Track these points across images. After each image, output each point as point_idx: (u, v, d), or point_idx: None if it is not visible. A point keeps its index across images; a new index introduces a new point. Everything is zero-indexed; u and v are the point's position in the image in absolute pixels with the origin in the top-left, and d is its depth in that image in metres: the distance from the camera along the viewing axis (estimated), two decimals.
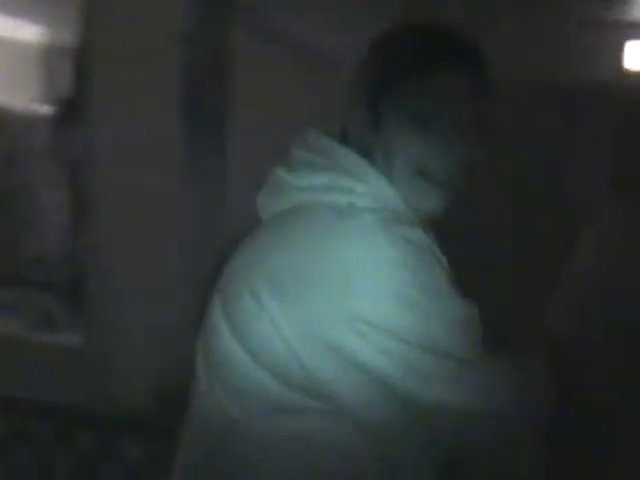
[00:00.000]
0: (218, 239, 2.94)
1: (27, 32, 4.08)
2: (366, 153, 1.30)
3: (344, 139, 1.34)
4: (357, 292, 1.18)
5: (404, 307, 1.18)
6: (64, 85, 3.48)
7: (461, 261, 1.34)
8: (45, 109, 3.75)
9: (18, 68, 4.00)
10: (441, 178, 1.29)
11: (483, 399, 1.22)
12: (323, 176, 1.28)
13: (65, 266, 3.37)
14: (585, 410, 1.57)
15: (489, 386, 1.23)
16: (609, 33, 4.85)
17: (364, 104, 1.31)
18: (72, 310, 3.21)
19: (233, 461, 1.29)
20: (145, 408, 2.75)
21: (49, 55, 4.03)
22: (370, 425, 1.23)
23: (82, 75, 3.03)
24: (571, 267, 1.77)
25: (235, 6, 2.95)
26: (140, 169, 2.80)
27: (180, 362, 2.85)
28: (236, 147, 2.95)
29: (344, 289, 1.18)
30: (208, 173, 2.93)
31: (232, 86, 2.96)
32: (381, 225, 1.21)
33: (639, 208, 1.75)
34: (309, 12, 3.21)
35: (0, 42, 3.97)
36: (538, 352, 1.40)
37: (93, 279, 2.97)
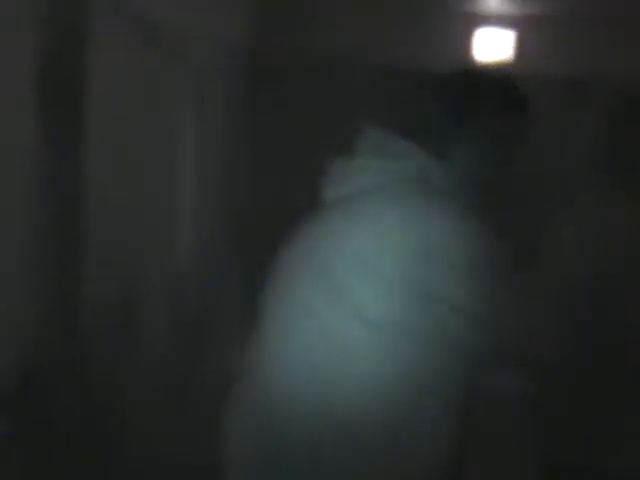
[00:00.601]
0: (73, 217, 2.94)
1: None
2: (431, 154, 1.69)
3: (407, 137, 1.71)
4: (412, 232, 1.56)
5: (447, 236, 1.56)
6: None
7: None
8: None
9: None
10: (493, 186, 1.74)
11: (497, 307, 1.59)
12: (389, 161, 1.67)
13: None
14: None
15: (500, 295, 1.60)
16: (460, 22, 5.03)
17: (442, 128, 1.72)
18: None
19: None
20: (8, 387, 2.73)
21: None
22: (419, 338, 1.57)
23: None
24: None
25: None
26: None
27: (40, 343, 2.83)
28: (92, 123, 2.94)
29: (401, 226, 1.57)
30: (64, 152, 2.91)
31: (87, 61, 2.95)
32: (420, 192, 1.63)
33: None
34: None
35: None
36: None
37: None
